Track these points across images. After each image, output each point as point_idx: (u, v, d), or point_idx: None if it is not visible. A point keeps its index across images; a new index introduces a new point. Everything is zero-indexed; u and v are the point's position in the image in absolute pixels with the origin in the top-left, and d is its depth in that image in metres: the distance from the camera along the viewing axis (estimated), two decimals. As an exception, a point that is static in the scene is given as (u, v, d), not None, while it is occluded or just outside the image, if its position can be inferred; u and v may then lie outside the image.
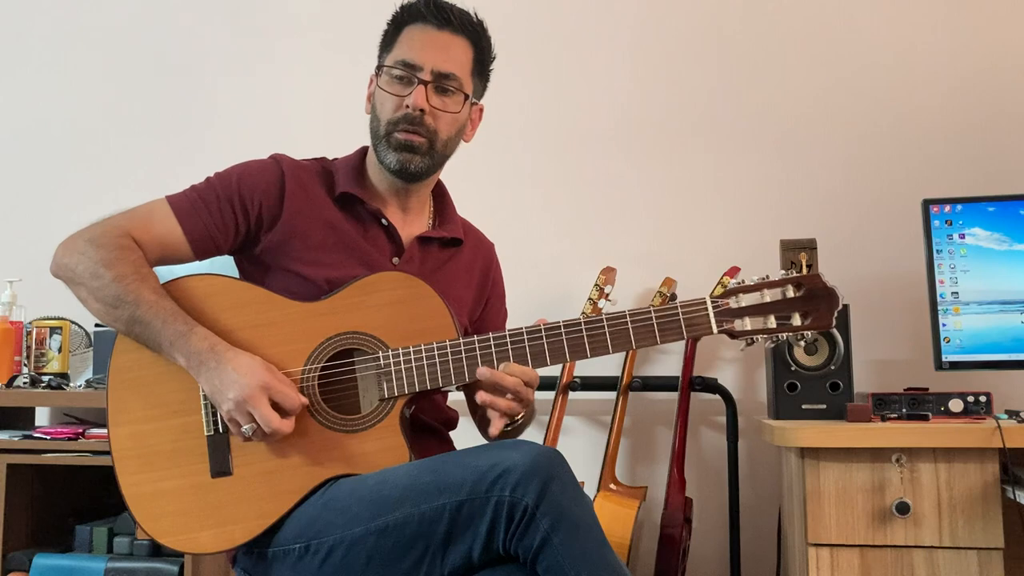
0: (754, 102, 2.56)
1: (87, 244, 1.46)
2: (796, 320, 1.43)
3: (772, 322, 1.42)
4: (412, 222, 1.64)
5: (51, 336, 2.44)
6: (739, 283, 1.43)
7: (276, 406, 1.37)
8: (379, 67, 1.59)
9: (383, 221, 1.59)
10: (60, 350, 2.44)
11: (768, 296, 1.43)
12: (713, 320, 1.42)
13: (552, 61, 2.65)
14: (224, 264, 1.59)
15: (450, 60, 1.55)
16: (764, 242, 2.35)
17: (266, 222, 1.54)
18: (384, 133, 1.55)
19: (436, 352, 1.43)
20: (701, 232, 2.54)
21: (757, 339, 1.43)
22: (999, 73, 2.46)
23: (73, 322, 2.52)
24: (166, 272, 1.57)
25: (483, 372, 1.41)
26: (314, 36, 2.77)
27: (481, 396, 1.41)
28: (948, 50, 2.49)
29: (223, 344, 1.41)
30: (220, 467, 1.42)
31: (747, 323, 1.42)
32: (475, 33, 1.59)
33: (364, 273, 1.48)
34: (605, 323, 1.42)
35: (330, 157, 1.67)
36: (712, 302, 1.42)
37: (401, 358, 1.43)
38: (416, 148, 1.55)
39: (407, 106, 1.53)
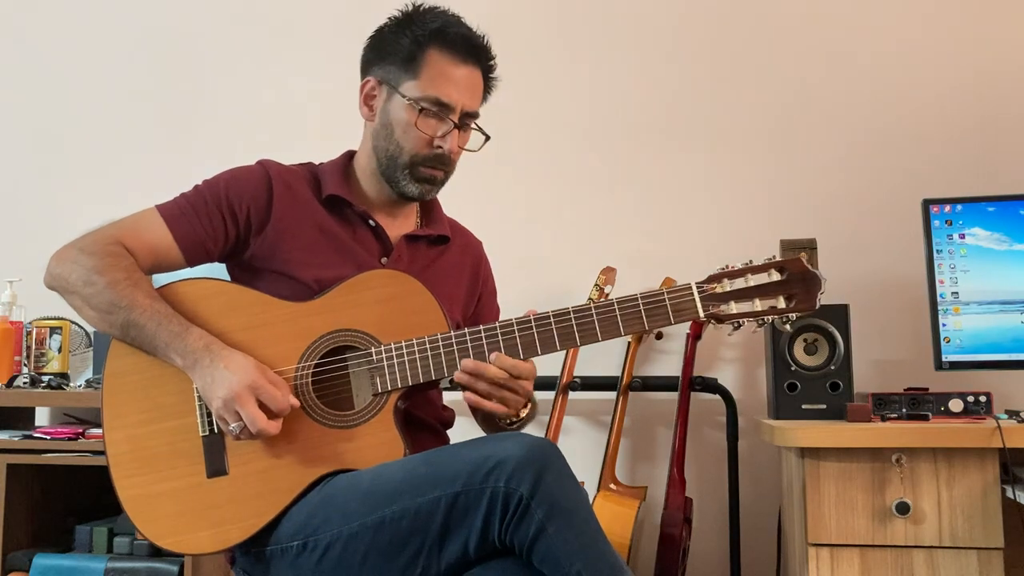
0: (754, 102, 2.56)
1: (79, 253, 1.47)
2: (780, 303, 1.44)
3: (758, 305, 1.44)
4: (400, 223, 1.65)
5: (51, 336, 2.44)
6: (724, 268, 1.44)
7: (265, 407, 1.37)
8: (398, 87, 1.55)
9: (371, 222, 1.60)
10: (60, 350, 2.45)
11: (753, 280, 1.44)
12: (699, 304, 1.43)
13: (551, 60, 2.65)
14: (217, 269, 1.60)
15: (476, 99, 1.59)
16: (764, 242, 2.33)
17: (255, 227, 1.55)
18: (407, 164, 1.56)
19: (428, 346, 1.43)
20: (701, 232, 2.53)
21: (744, 323, 1.44)
22: (999, 73, 2.46)
23: (73, 322, 2.52)
24: (158, 279, 1.57)
25: (466, 363, 1.41)
26: (311, 41, 2.78)
27: (458, 376, 1.42)
28: (948, 50, 2.49)
29: (218, 343, 1.42)
30: (216, 467, 1.42)
31: (733, 307, 1.43)
32: (490, 66, 1.61)
33: (354, 273, 1.49)
34: (593, 311, 1.43)
35: (316, 162, 1.68)
36: (698, 287, 1.43)
37: (393, 353, 1.44)
38: (437, 181, 1.59)
39: (438, 147, 1.55)
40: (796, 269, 1.44)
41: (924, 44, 2.50)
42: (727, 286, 1.43)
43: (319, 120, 2.68)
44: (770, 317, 1.44)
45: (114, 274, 1.44)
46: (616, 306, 1.43)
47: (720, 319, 1.43)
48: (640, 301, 1.43)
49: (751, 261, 1.45)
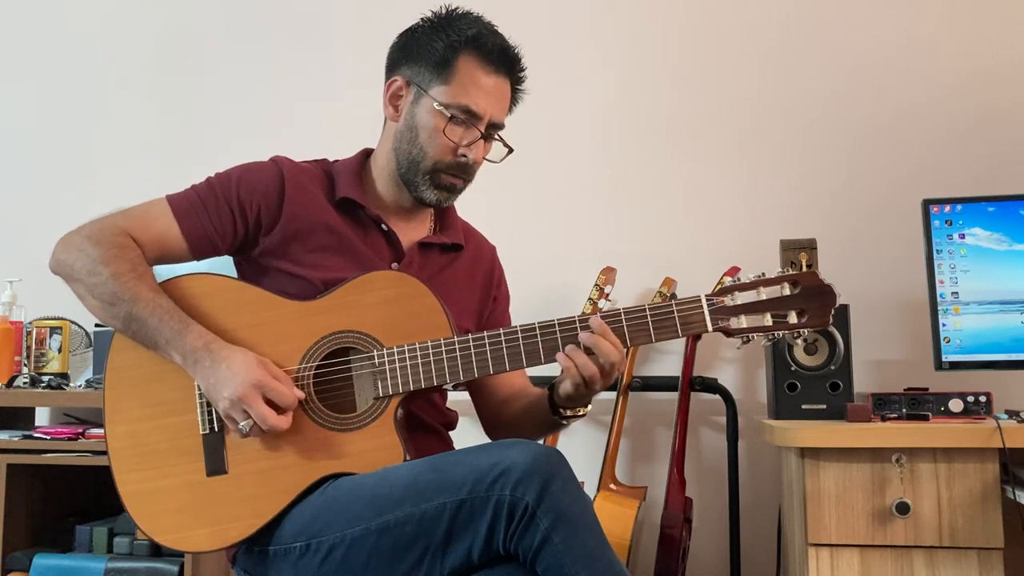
0: (754, 102, 2.56)
1: (85, 241, 1.46)
2: (792, 318, 1.41)
3: (768, 320, 1.41)
4: (413, 228, 1.63)
5: (51, 336, 2.44)
6: (735, 281, 1.42)
7: (272, 403, 1.37)
8: (427, 91, 1.52)
9: (383, 227, 1.58)
10: (60, 350, 2.45)
11: (764, 294, 1.41)
12: (708, 318, 1.40)
13: (551, 60, 2.65)
14: (223, 264, 1.59)
15: (503, 110, 1.58)
16: (764, 242, 2.35)
17: (264, 225, 1.53)
18: (429, 170, 1.54)
19: (431, 351, 1.42)
20: (701, 232, 2.53)
21: (753, 337, 1.41)
22: (999, 73, 2.46)
23: (73, 322, 2.52)
24: (165, 271, 1.57)
25: (595, 321, 1.39)
26: (319, 39, 2.78)
27: (588, 337, 1.38)
28: (948, 50, 2.49)
29: (218, 342, 1.41)
30: (215, 466, 1.42)
31: (743, 321, 1.40)
32: (519, 78, 1.60)
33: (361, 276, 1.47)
34: None
35: (330, 159, 1.67)
36: (707, 300, 1.41)
37: (396, 357, 1.43)
38: (456, 190, 1.58)
39: (463, 156, 1.53)
40: (811, 283, 1.40)
41: (924, 44, 2.50)
42: (738, 299, 1.40)
43: (325, 121, 2.68)
44: (781, 332, 1.41)
45: (119, 265, 1.44)
46: (623, 317, 1.41)
47: (729, 333, 1.41)
48: (648, 313, 1.41)
49: (763, 274, 1.42)
